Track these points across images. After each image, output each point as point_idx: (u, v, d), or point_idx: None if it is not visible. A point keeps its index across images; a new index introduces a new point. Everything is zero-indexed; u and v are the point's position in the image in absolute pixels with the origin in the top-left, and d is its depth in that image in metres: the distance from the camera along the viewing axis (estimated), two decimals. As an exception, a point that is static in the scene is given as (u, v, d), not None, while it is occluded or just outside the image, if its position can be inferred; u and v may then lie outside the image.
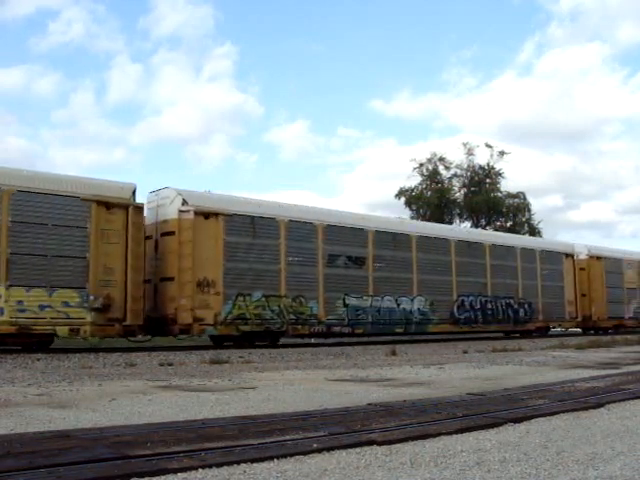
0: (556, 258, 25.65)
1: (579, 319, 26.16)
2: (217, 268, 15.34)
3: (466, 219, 45.83)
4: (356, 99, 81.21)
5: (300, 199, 78.63)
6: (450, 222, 43.37)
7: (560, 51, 79.39)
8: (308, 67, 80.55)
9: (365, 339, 19.94)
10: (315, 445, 3.65)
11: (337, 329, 17.70)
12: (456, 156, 46.36)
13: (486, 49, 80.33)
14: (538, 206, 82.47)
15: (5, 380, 7.72)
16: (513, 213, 45.45)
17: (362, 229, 18.68)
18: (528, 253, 24.29)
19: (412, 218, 41.48)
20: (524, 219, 45.60)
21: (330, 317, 17.48)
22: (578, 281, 26.29)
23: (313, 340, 19.46)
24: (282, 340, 17.38)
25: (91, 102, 77.10)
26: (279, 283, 16.43)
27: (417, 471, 3.22)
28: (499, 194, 45.41)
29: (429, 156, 45.31)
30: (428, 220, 37.68)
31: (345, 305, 17.87)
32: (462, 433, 4.19)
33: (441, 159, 45.46)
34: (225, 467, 3.18)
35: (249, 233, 16.04)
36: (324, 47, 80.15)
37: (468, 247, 21.78)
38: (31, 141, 75.47)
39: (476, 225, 44.24)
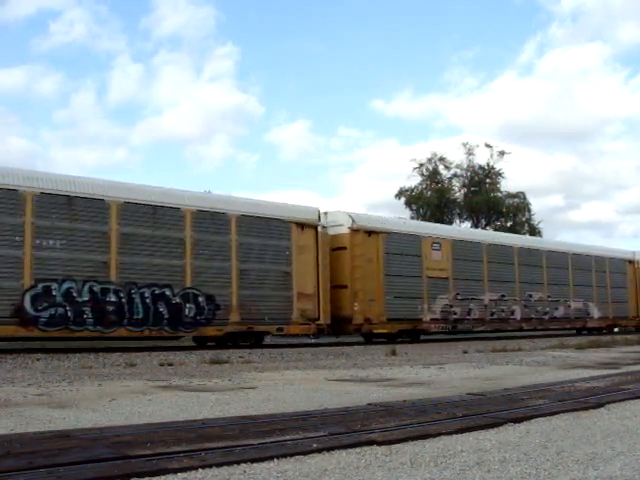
0: (277, 229, 17.05)
1: (323, 321, 17.64)
2: None
3: (466, 219, 45.94)
4: (357, 99, 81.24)
5: (301, 200, 78.26)
6: (450, 222, 43.32)
7: (561, 51, 79.32)
8: (309, 67, 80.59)
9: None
10: (315, 445, 3.65)
11: None
12: (456, 156, 46.53)
13: (487, 49, 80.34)
14: (539, 206, 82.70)
15: (5, 380, 7.73)
16: (513, 213, 45.49)
17: None
18: (211, 219, 15.90)
19: (412, 218, 41.31)
20: (524, 219, 45.66)
21: None
22: (324, 265, 17.81)
23: (313, 340, 19.43)
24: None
25: (92, 102, 77.00)
26: None
27: (417, 471, 3.22)
28: (499, 194, 45.47)
29: (429, 156, 45.46)
30: (428, 221, 37.18)
31: None
32: (462, 433, 4.19)
33: (441, 159, 45.57)
34: (225, 467, 3.18)
35: None
36: (324, 47, 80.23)
37: (67, 206, 13.86)
38: (32, 141, 75.49)
39: (476, 225, 44.18)
